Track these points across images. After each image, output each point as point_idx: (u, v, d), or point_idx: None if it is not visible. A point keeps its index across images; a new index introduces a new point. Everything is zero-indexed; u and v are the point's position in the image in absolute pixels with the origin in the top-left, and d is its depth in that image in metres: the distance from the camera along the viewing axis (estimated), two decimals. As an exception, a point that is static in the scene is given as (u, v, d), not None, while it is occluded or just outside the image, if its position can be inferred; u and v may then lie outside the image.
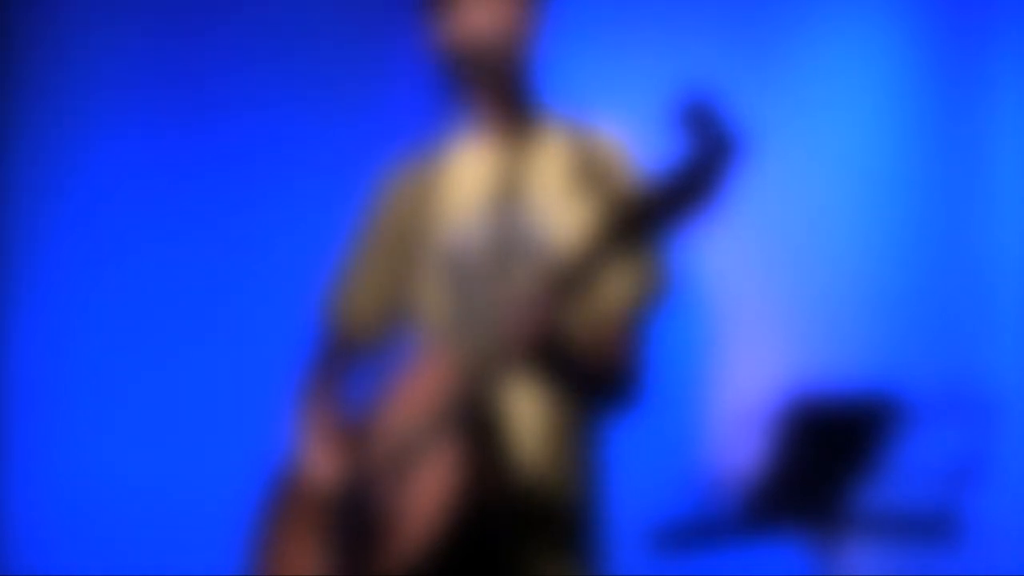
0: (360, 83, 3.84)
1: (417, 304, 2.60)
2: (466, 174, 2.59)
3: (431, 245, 2.58)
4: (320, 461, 2.52)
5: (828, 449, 2.90)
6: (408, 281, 2.62)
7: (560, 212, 2.52)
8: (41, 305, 3.95)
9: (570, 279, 2.31)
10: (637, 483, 2.72)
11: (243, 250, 3.87)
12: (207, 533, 3.08)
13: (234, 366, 3.80)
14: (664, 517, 3.00)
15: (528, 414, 2.47)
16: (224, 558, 2.63)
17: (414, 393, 2.43)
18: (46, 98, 3.98)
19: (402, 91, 3.39)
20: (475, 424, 2.37)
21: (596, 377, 2.47)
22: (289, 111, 3.88)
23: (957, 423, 3.02)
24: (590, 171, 2.53)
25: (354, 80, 3.85)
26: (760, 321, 3.46)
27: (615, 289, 2.44)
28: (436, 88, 2.47)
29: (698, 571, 3.08)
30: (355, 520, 2.42)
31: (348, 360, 2.67)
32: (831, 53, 3.73)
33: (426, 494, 2.35)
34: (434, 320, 2.57)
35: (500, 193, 2.55)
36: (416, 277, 2.60)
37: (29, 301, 3.96)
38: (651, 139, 2.42)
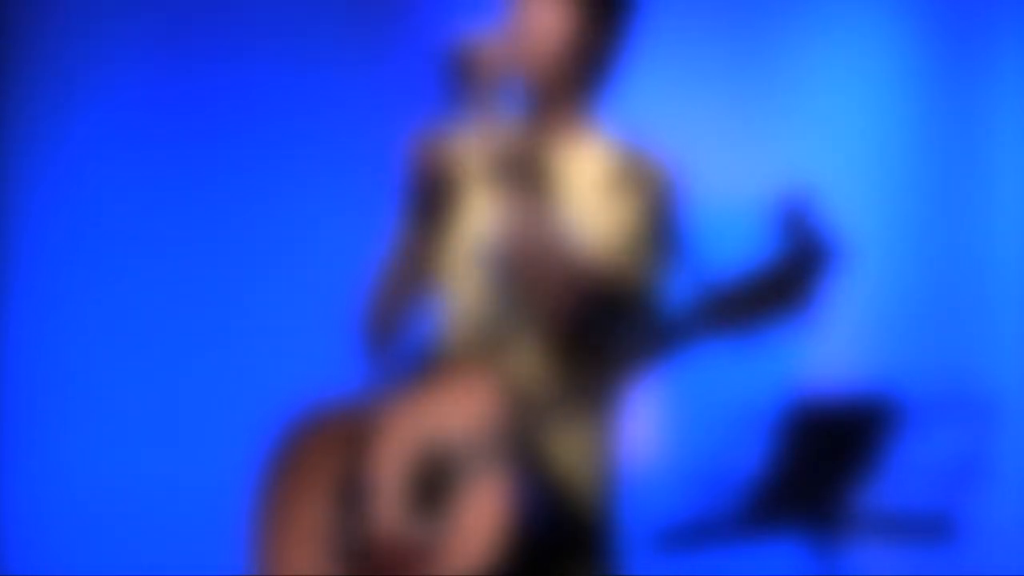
0: (367, 38, 3.84)
1: (445, 286, 2.61)
2: (494, 158, 2.59)
3: (456, 226, 2.59)
4: None
5: (829, 450, 2.90)
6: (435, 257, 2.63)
7: (594, 216, 2.54)
8: (37, 277, 3.95)
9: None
10: (639, 483, 2.73)
11: (247, 220, 3.87)
12: (201, 531, 3.08)
13: (231, 350, 3.80)
14: (666, 517, 3.00)
15: (570, 437, 2.49)
16: (219, 557, 2.63)
17: (454, 409, 2.43)
18: (45, 48, 3.97)
19: (410, 49, 3.40)
20: (525, 453, 2.39)
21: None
22: (296, 61, 3.88)
23: (957, 423, 3.02)
24: (629, 181, 2.55)
25: (361, 33, 3.85)
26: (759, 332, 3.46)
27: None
28: (447, 61, 2.49)
29: (699, 571, 3.09)
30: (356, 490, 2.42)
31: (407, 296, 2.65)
32: (829, 51, 3.74)
33: (477, 520, 2.36)
34: (463, 310, 2.58)
35: (533, 189, 2.56)
36: (441, 262, 2.61)
37: (23, 272, 3.95)
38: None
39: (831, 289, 2.32)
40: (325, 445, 2.50)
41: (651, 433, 2.63)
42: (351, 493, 2.43)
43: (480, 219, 2.57)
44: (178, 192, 3.90)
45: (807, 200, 2.27)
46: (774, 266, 2.27)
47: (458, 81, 2.47)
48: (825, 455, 2.89)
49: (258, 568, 2.53)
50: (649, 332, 2.34)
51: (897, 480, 2.90)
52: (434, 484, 2.39)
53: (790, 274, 2.27)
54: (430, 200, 2.58)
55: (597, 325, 2.40)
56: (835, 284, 2.30)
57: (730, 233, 2.54)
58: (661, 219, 2.53)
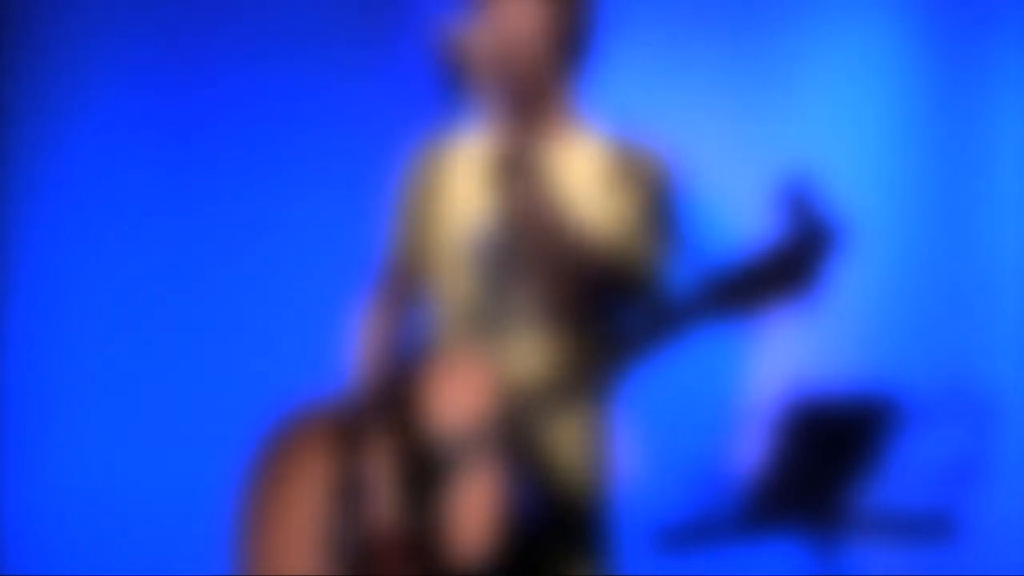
0: (362, 44, 3.84)
1: (438, 281, 2.62)
2: (488, 155, 2.60)
3: (447, 229, 2.60)
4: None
5: (829, 449, 2.90)
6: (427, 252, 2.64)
7: (592, 209, 2.55)
8: (36, 279, 3.95)
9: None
10: (639, 483, 2.73)
11: (243, 223, 3.87)
12: (195, 531, 3.08)
13: (222, 350, 3.80)
14: (666, 516, 3.00)
15: (564, 428, 2.49)
16: (213, 556, 2.62)
17: (449, 401, 2.43)
18: (47, 54, 3.97)
19: (406, 55, 3.40)
20: (520, 446, 2.39)
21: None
22: (291, 69, 3.88)
23: (957, 423, 3.02)
24: (626, 173, 2.56)
25: (356, 41, 3.85)
26: (760, 322, 3.46)
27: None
28: (439, 62, 2.49)
29: (699, 570, 3.08)
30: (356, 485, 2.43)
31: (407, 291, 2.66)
32: (831, 34, 3.74)
33: (472, 511, 2.36)
34: (457, 304, 2.58)
35: (528, 183, 2.57)
36: (434, 257, 2.62)
37: (23, 274, 3.95)
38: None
39: (833, 283, 2.32)
40: (315, 443, 2.50)
41: (647, 427, 2.64)
42: (346, 490, 2.42)
43: (474, 213, 2.57)
44: (175, 196, 3.90)
45: (809, 183, 2.27)
46: (777, 249, 2.28)
47: (448, 79, 2.48)
48: (825, 454, 2.89)
49: (251, 568, 2.53)
50: (651, 319, 2.35)
51: (897, 479, 2.89)
52: (428, 478, 2.39)
53: (793, 256, 2.27)
54: (425, 198, 2.60)
55: (598, 314, 2.40)
56: (837, 279, 2.30)
57: (734, 218, 2.54)
58: (660, 210, 2.54)
